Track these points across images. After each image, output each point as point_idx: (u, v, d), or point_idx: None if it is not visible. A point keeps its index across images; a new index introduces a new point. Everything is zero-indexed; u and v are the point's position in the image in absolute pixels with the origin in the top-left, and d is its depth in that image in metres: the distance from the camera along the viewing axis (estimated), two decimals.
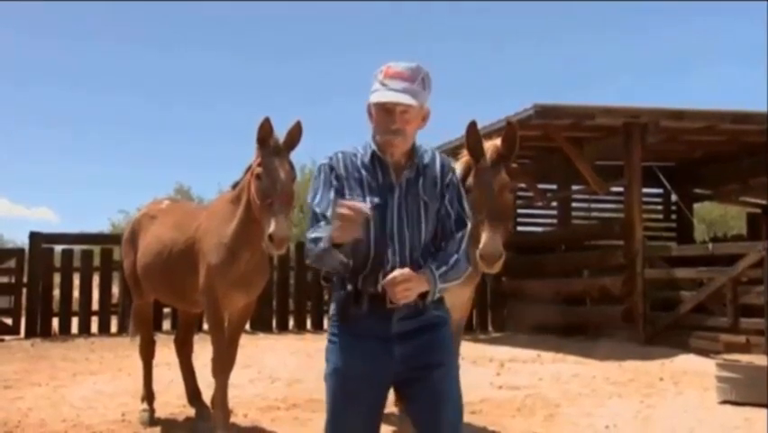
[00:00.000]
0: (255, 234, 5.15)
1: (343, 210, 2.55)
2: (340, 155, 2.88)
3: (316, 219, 2.80)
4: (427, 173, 2.89)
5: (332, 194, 2.80)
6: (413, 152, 2.89)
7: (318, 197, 2.84)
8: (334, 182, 2.83)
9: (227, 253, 5.41)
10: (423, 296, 2.74)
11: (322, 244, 2.67)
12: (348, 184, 2.82)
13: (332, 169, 2.85)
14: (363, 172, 2.83)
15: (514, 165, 4.93)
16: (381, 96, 2.78)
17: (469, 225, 2.94)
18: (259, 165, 5.10)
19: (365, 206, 2.64)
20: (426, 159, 2.92)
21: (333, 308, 2.88)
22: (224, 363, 5.61)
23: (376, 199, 2.78)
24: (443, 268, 2.76)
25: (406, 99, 2.75)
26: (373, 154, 2.85)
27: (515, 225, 15.39)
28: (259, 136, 5.12)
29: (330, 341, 2.86)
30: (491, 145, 4.94)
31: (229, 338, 5.75)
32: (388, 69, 2.80)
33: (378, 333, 2.74)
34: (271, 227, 4.84)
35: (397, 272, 2.65)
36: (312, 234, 2.75)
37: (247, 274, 5.46)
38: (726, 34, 55.24)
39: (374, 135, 2.87)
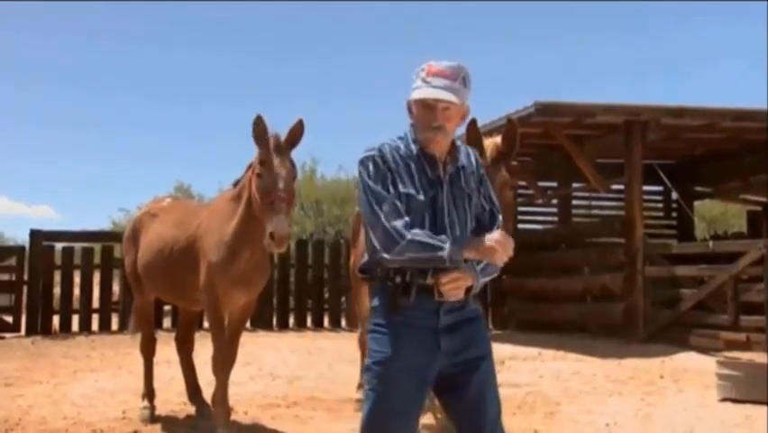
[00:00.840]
0: (256, 233, 5.15)
1: (495, 245, 2.73)
2: (387, 147, 2.87)
3: (398, 213, 2.76)
4: (466, 167, 2.96)
5: (390, 186, 2.80)
6: (453, 147, 2.93)
7: (380, 186, 2.80)
8: (388, 174, 2.82)
9: (228, 251, 5.41)
10: (467, 291, 2.84)
11: (437, 255, 2.69)
12: (399, 177, 2.83)
13: (384, 160, 2.84)
14: (412, 166, 2.85)
15: (514, 163, 4.94)
16: (424, 92, 2.82)
17: (500, 219, 3.01)
18: (260, 163, 5.10)
19: (511, 240, 2.78)
20: (462, 152, 2.98)
21: (375, 299, 2.90)
22: (224, 361, 5.61)
23: (431, 193, 2.83)
24: (483, 263, 2.84)
25: (448, 96, 2.79)
26: (421, 149, 2.87)
27: (515, 222, 15.41)
28: (254, 134, 5.11)
29: (375, 331, 2.86)
30: (491, 143, 4.95)
31: (230, 336, 5.75)
32: (431, 68, 2.83)
33: (426, 324, 2.80)
34: (272, 226, 4.84)
35: (448, 275, 2.73)
36: (418, 238, 2.72)
37: (248, 272, 5.46)
38: (726, 33, 55.16)
39: (415, 132, 2.89)
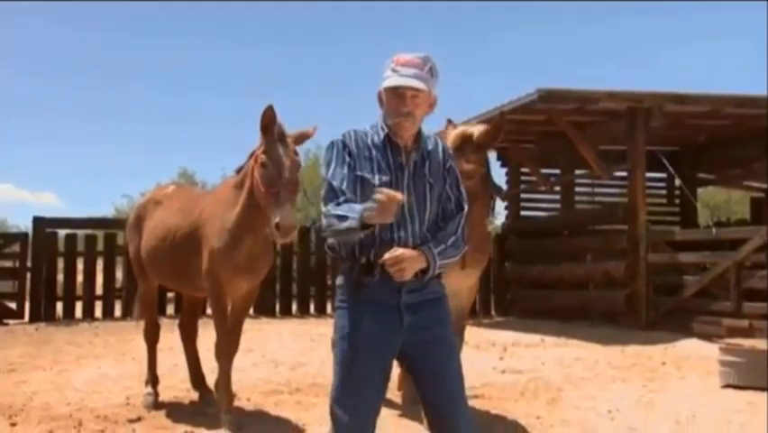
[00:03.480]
0: (258, 220, 5.15)
1: (382, 197, 2.71)
2: (352, 133, 3.04)
3: (335, 193, 2.93)
4: (432, 157, 3.09)
5: (345, 169, 2.96)
6: (419, 136, 3.07)
7: (332, 171, 2.98)
8: (347, 158, 2.99)
9: (230, 238, 5.41)
10: (424, 272, 2.94)
11: (348, 223, 2.81)
12: (359, 162, 2.99)
13: (344, 145, 3.01)
14: (374, 152, 3.01)
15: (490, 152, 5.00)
16: (394, 81, 2.96)
17: (466, 209, 3.13)
18: (263, 153, 5.09)
19: (401, 195, 2.78)
20: (430, 144, 3.12)
21: (341, 278, 3.05)
22: (227, 348, 5.62)
23: (385, 178, 2.96)
24: (441, 246, 2.97)
25: (416, 84, 2.94)
26: (386, 136, 3.02)
27: (517, 210, 15.41)
28: (262, 124, 5.09)
29: (340, 307, 3.03)
30: (455, 133, 4.97)
31: (233, 323, 5.76)
32: (399, 58, 2.99)
33: (389, 301, 2.94)
34: (278, 216, 4.82)
35: (388, 255, 2.85)
36: (335, 211, 2.88)
37: (250, 259, 5.46)
38: (731, 18, 54.95)
39: (385, 119, 3.03)
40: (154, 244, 6.09)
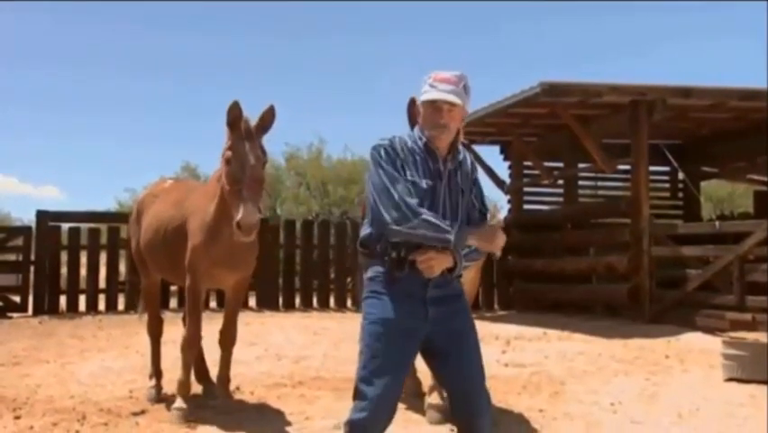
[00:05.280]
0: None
1: (484, 243, 3.21)
2: (397, 139, 3.30)
3: (410, 193, 3.16)
4: (462, 168, 3.38)
5: (397, 174, 3.19)
6: (454, 147, 3.35)
7: (393, 183, 3.16)
8: (397, 162, 3.23)
9: (209, 232, 5.41)
10: (450, 270, 3.24)
11: (444, 236, 3.11)
12: (407, 165, 3.24)
13: (393, 149, 3.25)
14: (417, 157, 3.26)
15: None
16: (432, 95, 3.24)
17: (488, 217, 3.45)
18: (229, 149, 5.05)
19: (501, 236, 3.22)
20: (460, 155, 3.40)
21: (372, 271, 3.30)
22: (191, 340, 5.71)
23: (429, 182, 3.23)
24: (467, 249, 3.25)
25: (453, 98, 3.22)
26: (425, 143, 3.28)
27: (520, 203, 15.39)
28: (228, 119, 5.03)
29: (370, 297, 3.28)
30: None
31: (228, 315, 5.81)
32: (437, 75, 3.27)
33: (416, 294, 3.21)
34: (239, 214, 4.79)
35: (419, 253, 3.16)
36: (427, 217, 3.11)
37: (233, 252, 5.40)
38: (734, 11, 54.78)
39: (422, 130, 3.31)
40: (150, 238, 6.11)
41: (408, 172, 3.21)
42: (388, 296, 3.21)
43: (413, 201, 3.13)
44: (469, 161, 3.43)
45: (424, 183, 3.21)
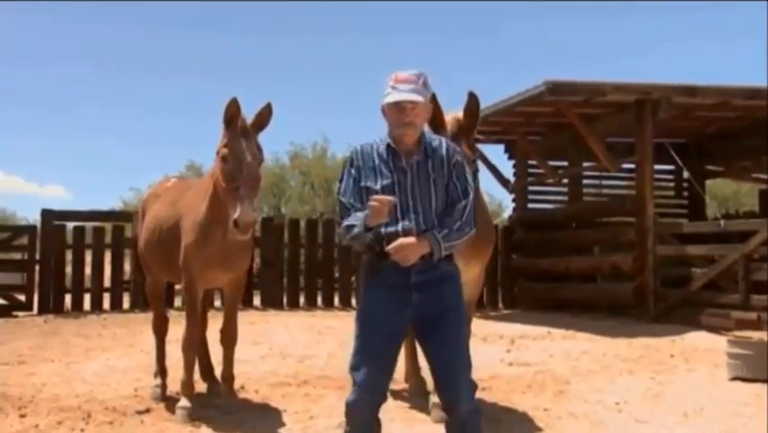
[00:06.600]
0: (225, 213, 5.04)
1: (374, 203, 3.27)
2: (359, 148, 3.58)
3: (346, 208, 3.52)
4: (435, 155, 3.54)
5: (351, 183, 3.53)
6: (421, 139, 3.54)
7: (342, 187, 3.56)
8: (353, 172, 3.53)
9: (201, 232, 5.39)
10: (431, 255, 3.40)
11: (356, 231, 3.39)
12: (364, 172, 3.51)
13: (352, 162, 3.56)
14: (377, 160, 3.51)
15: (480, 137, 5.00)
16: (394, 96, 3.44)
17: (471, 195, 3.56)
18: (225, 146, 5.03)
19: (392, 198, 3.32)
20: (435, 143, 3.58)
21: (364, 262, 3.61)
22: (191, 340, 5.71)
23: (386, 182, 3.46)
24: (445, 231, 3.43)
25: (414, 97, 3.43)
26: (388, 145, 3.51)
27: (525, 202, 15.38)
28: (226, 116, 5.01)
29: (363, 291, 3.58)
30: (452, 118, 4.94)
31: (226, 314, 5.81)
32: (397, 76, 3.47)
33: (399, 283, 3.42)
34: (236, 212, 4.78)
35: (392, 244, 3.35)
36: (345, 223, 3.48)
37: (226, 251, 5.38)
38: (734, 11, 54.64)
39: (390, 130, 3.52)
40: (149, 238, 6.12)
41: (363, 179, 3.50)
42: (372, 289, 3.51)
43: (345, 220, 3.47)
44: (445, 147, 3.58)
45: (378, 185, 3.45)
